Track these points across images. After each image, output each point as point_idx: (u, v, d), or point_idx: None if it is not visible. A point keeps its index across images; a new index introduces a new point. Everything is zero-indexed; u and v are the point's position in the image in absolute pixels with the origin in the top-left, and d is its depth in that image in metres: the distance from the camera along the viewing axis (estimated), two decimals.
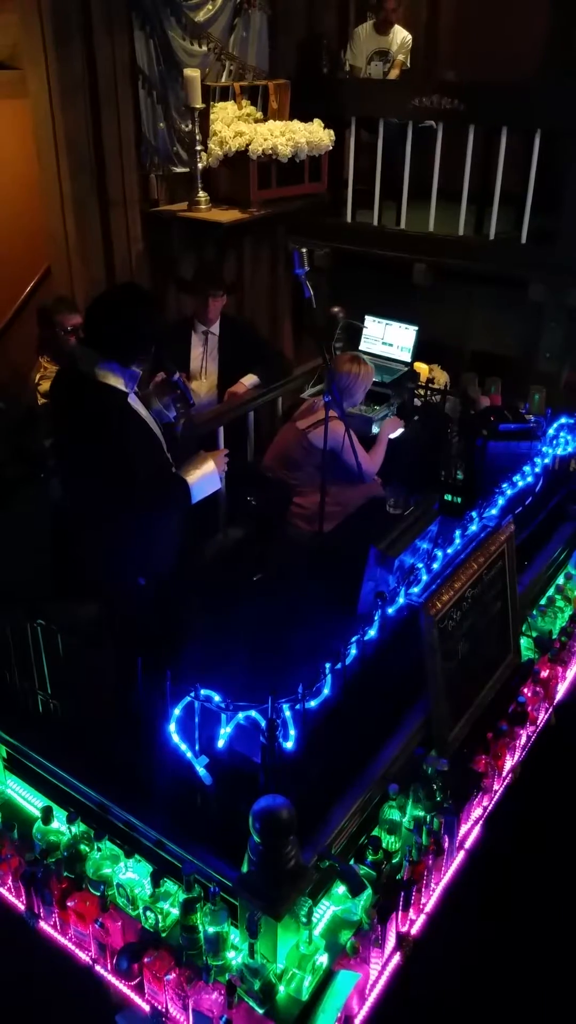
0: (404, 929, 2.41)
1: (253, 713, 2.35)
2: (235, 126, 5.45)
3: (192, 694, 2.36)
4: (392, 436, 4.50)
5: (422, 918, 2.47)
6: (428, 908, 2.49)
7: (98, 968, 2.35)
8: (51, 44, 4.69)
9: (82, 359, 3.02)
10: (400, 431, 4.57)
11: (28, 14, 4.69)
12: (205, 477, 3.12)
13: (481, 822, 2.76)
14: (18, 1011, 2.62)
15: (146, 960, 2.22)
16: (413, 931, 2.43)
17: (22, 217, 5.63)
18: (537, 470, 3.84)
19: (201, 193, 5.38)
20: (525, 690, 3.14)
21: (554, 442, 4.08)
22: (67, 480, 3.27)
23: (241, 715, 2.36)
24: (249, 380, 4.81)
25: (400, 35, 6.74)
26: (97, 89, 4.93)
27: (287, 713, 2.38)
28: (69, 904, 2.35)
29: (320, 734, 2.56)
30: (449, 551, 3.14)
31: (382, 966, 2.32)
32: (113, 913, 2.32)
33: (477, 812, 2.75)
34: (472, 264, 5.97)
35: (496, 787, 2.86)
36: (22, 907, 2.49)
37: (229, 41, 5.66)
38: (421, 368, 5.28)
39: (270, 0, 5.84)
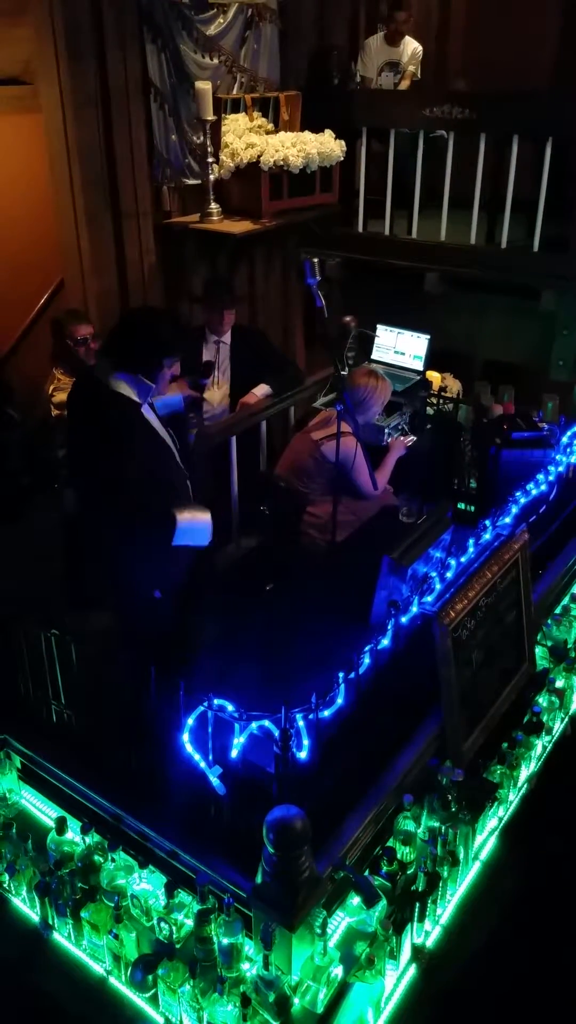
0: (419, 941, 2.39)
1: (266, 723, 2.35)
2: (246, 138, 5.48)
3: (205, 704, 2.36)
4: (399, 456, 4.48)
5: (438, 930, 2.45)
6: (443, 920, 2.48)
7: (112, 980, 2.34)
8: (64, 58, 4.74)
9: (99, 369, 3.04)
10: (405, 451, 4.54)
11: (41, 29, 4.74)
12: (196, 524, 3.06)
13: (497, 833, 2.74)
14: (32, 1022, 2.62)
15: (160, 971, 2.21)
16: (429, 943, 2.42)
17: (36, 230, 5.68)
18: (551, 478, 3.82)
19: (213, 205, 5.41)
20: (540, 699, 3.12)
21: (568, 450, 4.06)
22: (79, 489, 3.28)
23: (254, 725, 2.36)
24: (261, 390, 4.82)
25: (411, 46, 6.77)
26: (109, 102, 4.97)
27: (300, 723, 2.37)
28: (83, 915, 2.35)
29: (334, 744, 2.55)
30: (463, 560, 3.13)
31: (397, 979, 2.31)
32: (127, 924, 2.31)
33: (492, 823, 2.74)
34: (484, 273, 5.98)
35: (511, 798, 2.84)
36: (36, 918, 2.49)
37: (240, 53, 5.70)
38: (433, 377, 5.28)
39: (281, 13, 5.88)
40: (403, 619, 2.84)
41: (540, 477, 3.75)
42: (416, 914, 2.33)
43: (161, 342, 3.03)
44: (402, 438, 4.60)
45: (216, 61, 5.52)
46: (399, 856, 2.52)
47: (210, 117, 5.13)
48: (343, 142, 5.79)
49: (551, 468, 3.86)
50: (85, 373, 3.52)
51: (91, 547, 3.18)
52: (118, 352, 3.02)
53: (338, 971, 2.23)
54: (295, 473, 4.27)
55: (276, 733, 2.33)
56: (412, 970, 2.36)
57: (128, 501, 2.91)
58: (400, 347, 5.39)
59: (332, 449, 3.81)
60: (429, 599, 2.95)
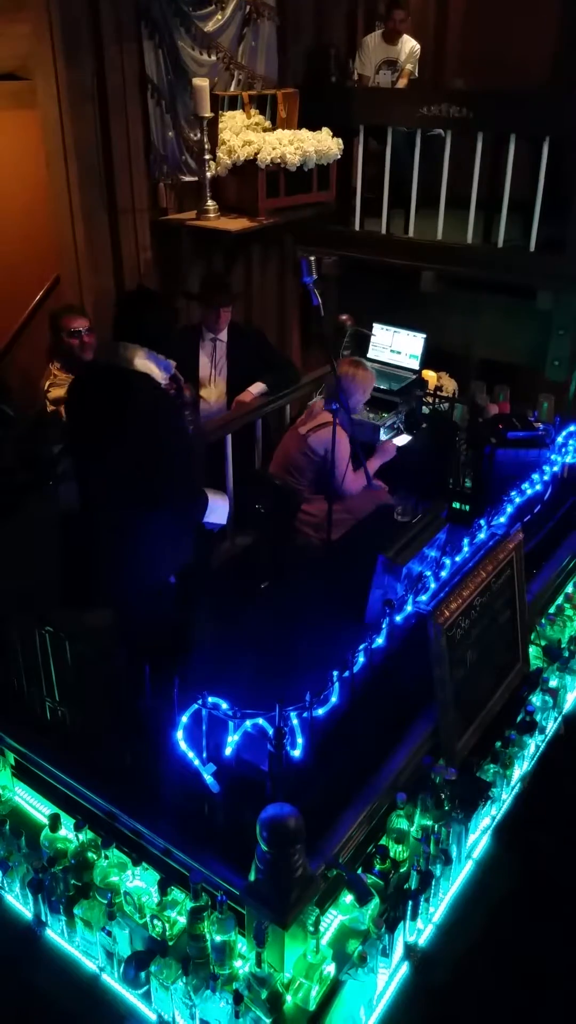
0: (412, 939, 2.40)
1: (260, 721, 2.35)
2: (244, 135, 5.47)
3: (200, 702, 2.36)
4: (385, 460, 4.45)
5: (430, 928, 2.46)
6: (436, 918, 2.48)
7: (105, 977, 2.34)
8: (61, 54, 4.72)
9: (119, 351, 3.02)
10: (395, 454, 4.53)
11: (38, 25, 4.72)
12: (218, 502, 3.21)
13: (490, 832, 2.75)
14: (24, 1020, 2.62)
15: (153, 968, 2.21)
16: (421, 941, 2.42)
17: (32, 226, 5.66)
18: (546, 478, 3.83)
19: (210, 202, 5.40)
20: (534, 699, 3.13)
21: (563, 450, 4.08)
22: (94, 480, 3.21)
23: (248, 723, 2.36)
24: (257, 388, 4.82)
25: (409, 44, 6.76)
26: (106, 99, 4.96)
27: (295, 721, 2.38)
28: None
29: (328, 742, 2.56)
30: (457, 559, 3.14)
31: (389, 977, 2.31)
32: (120, 921, 2.32)
33: (486, 821, 2.74)
34: (480, 272, 5.98)
35: (505, 797, 2.85)
36: (29, 915, 2.49)
37: (238, 51, 5.68)
38: (429, 376, 5.28)
39: (279, 10, 5.87)
40: (398, 618, 2.85)
41: (535, 477, 3.76)
42: (409, 912, 2.34)
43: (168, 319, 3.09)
44: (393, 440, 4.59)
45: (214, 58, 5.50)
46: (392, 854, 2.53)
47: (207, 114, 5.12)
48: (340, 140, 5.78)
49: (546, 468, 3.87)
50: (93, 361, 3.49)
51: (108, 534, 3.12)
52: (145, 334, 3.00)
53: (330, 969, 2.23)
54: (288, 470, 4.28)
55: (270, 731, 2.34)
56: (404, 968, 2.36)
57: (168, 476, 2.94)
58: (396, 346, 5.40)
59: (319, 439, 3.84)
60: (424, 598, 2.95)
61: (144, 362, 2.97)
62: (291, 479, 4.24)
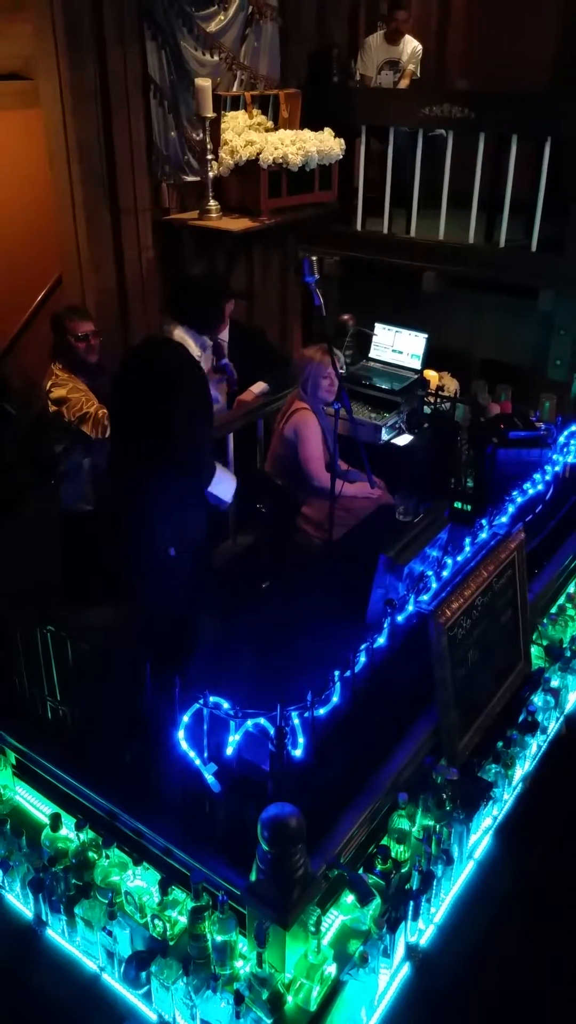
0: (413, 939, 2.39)
1: (262, 720, 2.35)
2: (246, 135, 5.48)
3: (201, 701, 2.36)
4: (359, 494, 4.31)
5: (432, 929, 2.45)
6: (437, 919, 2.48)
7: (105, 976, 2.34)
8: (64, 54, 4.73)
9: (164, 326, 3.30)
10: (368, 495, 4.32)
11: (41, 25, 4.73)
12: (226, 476, 3.41)
13: (491, 832, 2.75)
14: (24, 1020, 2.62)
15: (153, 968, 2.21)
16: (423, 942, 2.42)
17: (34, 226, 5.67)
18: (547, 478, 3.83)
19: (212, 202, 5.40)
20: (535, 699, 3.13)
21: (564, 450, 4.07)
22: (119, 434, 3.42)
23: (250, 722, 2.36)
24: (258, 387, 4.82)
25: (411, 45, 6.77)
26: (109, 98, 4.96)
27: (296, 721, 2.37)
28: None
29: (329, 742, 2.55)
30: (459, 559, 3.13)
31: (391, 977, 2.31)
32: (121, 921, 2.31)
33: (487, 822, 2.74)
34: (482, 272, 5.98)
35: (506, 797, 2.85)
36: (30, 914, 2.49)
37: (240, 51, 5.69)
38: (431, 375, 5.28)
39: (281, 10, 5.87)
40: (399, 618, 2.84)
41: (537, 476, 3.75)
42: (410, 913, 2.33)
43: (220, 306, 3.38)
44: (376, 492, 4.31)
45: (216, 58, 5.51)
46: (393, 854, 2.52)
47: (210, 114, 5.12)
48: (342, 140, 5.78)
49: (548, 467, 3.86)
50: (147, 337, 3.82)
51: (121, 493, 3.31)
52: (185, 311, 3.50)
53: (331, 969, 2.23)
54: (276, 468, 4.30)
55: (271, 731, 2.33)
56: (406, 969, 2.36)
57: (181, 434, 3.07)
58: (398, 346, 5.39)
59: (290, 425, 3.92)
60: (425, 598, 2.95)
61: (182, 335, 3.34)
62: (280, 478, 4.26)
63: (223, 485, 3.34)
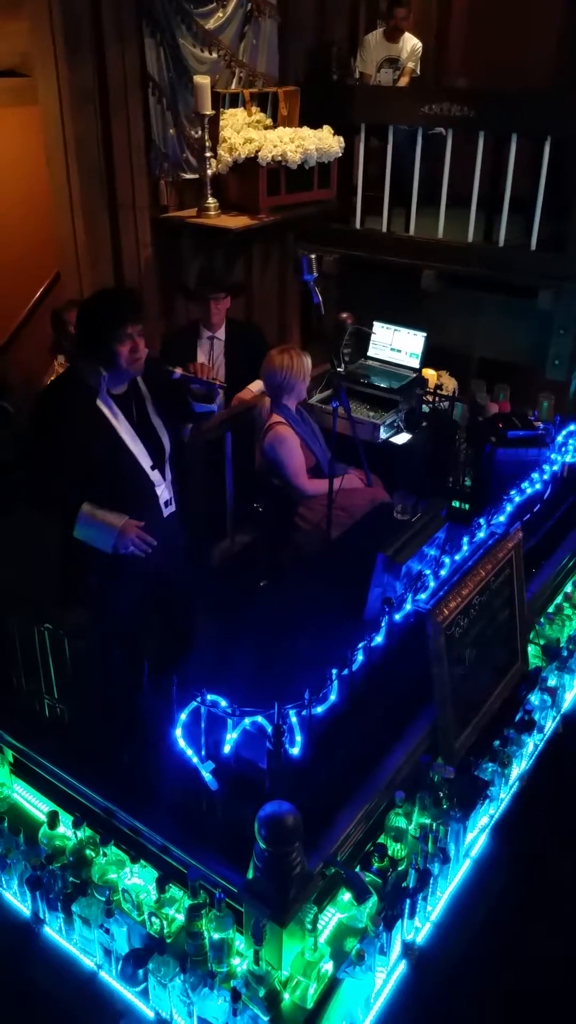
0: (410, 937, 2.40)
1: (259, 719, 2.35)
2: (245, 133, 5.47)
3: (198, 699, 2.36)
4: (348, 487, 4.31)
5: (428, 926, 2.46)
6: (434, 917, 2.48)
7: (103, 974, 2.34)
8: (62, 51, 4.72)
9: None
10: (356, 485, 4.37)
11: (39, 22, 4.72)
12: (98, 524, 3.12)
13: (488, 831, 2.75)
14: (21, 1017, 2.62)
15: (151, 966, 2.21)
16: (419, 940, 2.42)
17: (32, 223, 5.66)
18: (545, 477, 3.83)
19: (210, 199, 5.39)
20: (532, 698, 3.13)
21: (563, 449, 4.07)
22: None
23: (247, 721, 2.36)
24: (257, 386, 4.80)
25: (410, 43, 6.76)
26: (107, 96, 4.95)
27: (293, 719, 2.38)
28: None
29: (326, 740, 2.55)
30: (457, 558, 3.14)
31: (387, 975, 2.31)
32: (118, 918, 2.32)
33: (484, 820, 2.74)
34: (481, 271, 5.98)
35: (503, 795, 2.85)
36: (27, 912, 2.49)
37: (239, 48, 5.68)
38: (429, 374, 5.28)
39: (280, 7, 5.86)
40: (396, 616, 2.85)
41: (535, 476, 3.76)
42: (407, 911, 2.33)
43: (101, 329, 3.03)
44: (352, 473, 4.35)
45: (215, 55, 5.50)
46: (390, 853, 2.52)
47: (208, 111, 5.11)
48: (341, 138, 5.77)
49: (546, 467, 3.86)
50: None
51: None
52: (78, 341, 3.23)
53: (328, 967, 2.23)
54: (266, 470, 4.30)
55: (269, 729, 2.33)
56: (402, 966, 2.36)
57: (37, 486, 3.15)
58: (397, 344, 5.39)
59: (267, 445, 4.01)
60: (423, 597, 2.95)
61: (80, 367, 3.18)
62: (276, 479, 4.27)
63: (92, 533, 3.12)
